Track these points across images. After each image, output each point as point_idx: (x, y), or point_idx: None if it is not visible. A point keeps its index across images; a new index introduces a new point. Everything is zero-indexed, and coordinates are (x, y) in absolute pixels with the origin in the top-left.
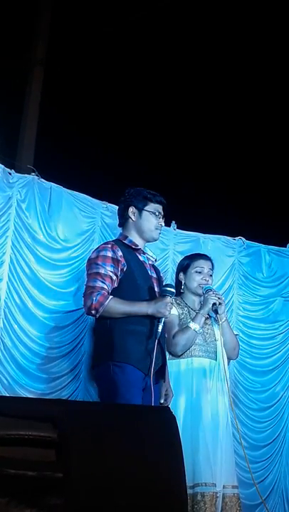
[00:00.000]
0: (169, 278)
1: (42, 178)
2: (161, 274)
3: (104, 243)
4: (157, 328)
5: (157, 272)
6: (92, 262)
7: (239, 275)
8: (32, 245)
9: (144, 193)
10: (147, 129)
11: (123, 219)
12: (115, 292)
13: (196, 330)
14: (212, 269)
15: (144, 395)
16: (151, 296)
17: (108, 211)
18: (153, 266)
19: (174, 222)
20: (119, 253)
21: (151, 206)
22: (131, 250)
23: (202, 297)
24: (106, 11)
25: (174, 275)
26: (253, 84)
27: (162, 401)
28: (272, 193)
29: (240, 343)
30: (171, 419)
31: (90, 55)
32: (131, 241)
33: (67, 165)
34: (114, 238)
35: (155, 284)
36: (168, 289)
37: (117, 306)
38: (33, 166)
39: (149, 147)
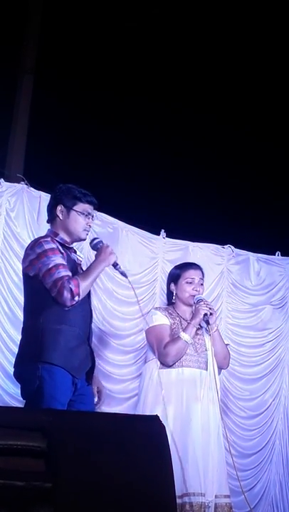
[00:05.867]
0: (158, 287)
1: (31, 187)
2: None
3: (42, 237)
4: (90, 326)
5: None
6: (41, 258)
7: (228, 283)
8: (21, 254)
9: (75, 191)
10: (137, 135)
11: (51, 216)
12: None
13: (187, 340)
14: (203, 278)
15: (77, 398)
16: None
17: (97, 219)
18: (81, 267)
19: (163, 230)
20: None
21: (80, 206)
22: (64, 247)
23: (193, 307)
24: (97, 18)
25: (166, 284)
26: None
27: (96, 399)
28: (261, 200)
29: None
30: (161, 429)
31: (81, 63)
32: (62, 239)
33: (58, 174)
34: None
35: None
36: (96, 244)
37: (87, 283)
38: (23, 175)
39: (138, 155)
